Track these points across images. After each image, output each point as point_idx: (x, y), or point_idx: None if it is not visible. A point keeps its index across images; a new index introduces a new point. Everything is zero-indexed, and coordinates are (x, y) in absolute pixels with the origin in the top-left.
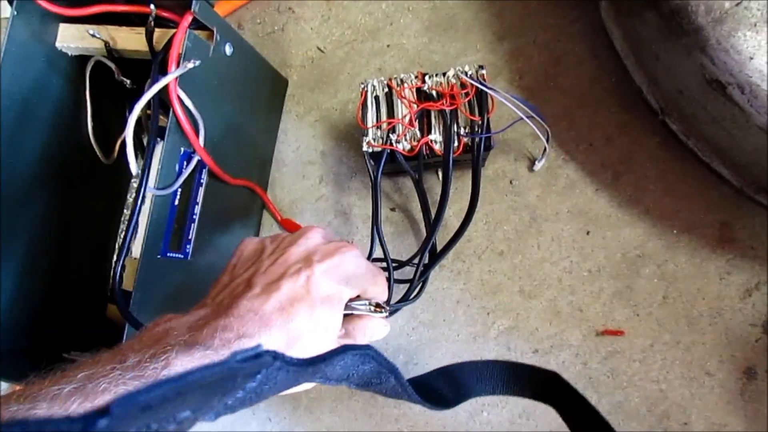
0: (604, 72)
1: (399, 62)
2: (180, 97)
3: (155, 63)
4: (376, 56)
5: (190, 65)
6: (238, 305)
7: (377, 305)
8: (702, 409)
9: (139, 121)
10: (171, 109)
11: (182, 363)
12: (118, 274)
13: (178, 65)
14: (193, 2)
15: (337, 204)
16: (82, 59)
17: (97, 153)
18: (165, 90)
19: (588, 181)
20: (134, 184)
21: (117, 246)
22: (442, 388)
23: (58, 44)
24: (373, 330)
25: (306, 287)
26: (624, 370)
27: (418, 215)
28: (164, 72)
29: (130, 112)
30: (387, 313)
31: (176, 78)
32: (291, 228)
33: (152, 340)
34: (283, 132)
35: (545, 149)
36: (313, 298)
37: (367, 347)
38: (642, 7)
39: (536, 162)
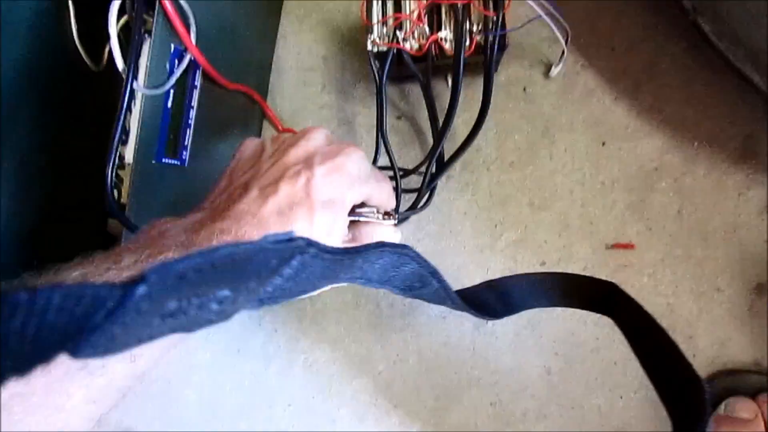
0: None
1: None
2: None
3: None
4: None
5: None
6: (236, 209)
7: (385, 213)
8: (708, 324)
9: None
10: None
11: None
12: (108, 175)
13: None
14: None
15: (340, 112)
16: None
17: (85, 59)
18: None
19: (607, 89)
20: None
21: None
22: (490, 299)
23: None
24: (382, 237)
25: (306, 190)
26: (632, 284)
27: (425, 124)
28: None
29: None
30: (395, 221)
31: None
32: None
33: (148, 242)
34: (283, 36)
35: (563, 53)
36: (313, 202)
37: (405, 246)
38: None
39: (553, 67)
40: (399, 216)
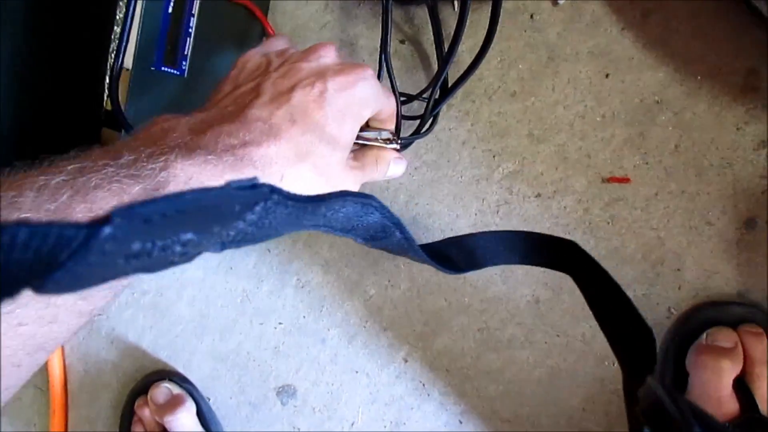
0: None
1: None
2: None
3: None
4: None
5: None
6: (246, 113)
7: (387, 138)
8: (697, 257)
9: None
10: None
11: (182, 167)
12: (111, 79)
13: None
14: None
15: (342, 33)
16: None
17: None
18: None
19: (614, 19)
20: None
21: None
22: (453, 254)
23: None
24: (385, 162)
25: (319, 102)
26: (625, 217)
27: (430, 49)
28: None
29: None
30: (398, 146)
31: None
32: None
33: (150, 140)
34: None
35: None
36: (327, 114)
37: (369, 196)
38: None
39: None
40: (402, 141)
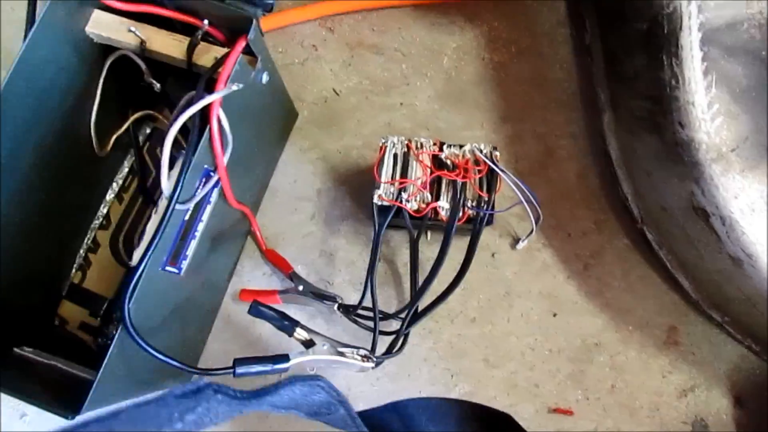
0: (593, 172)
1: (407, 121)
2: (219, 116)
3: (202, 79)
4: (387, 111)
5: (235, 87)
6: None
7: (365, 356)
8: None
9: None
10: (208, 127)
11: None
12: (128, 294)
13: (225, 85)
14: (251, 29)
15: (323, 244)
16: (103, 49)
17: (94, 144)
18: (206, 107)
19: (561, 267)
20: (119, 180)
21: (86, 243)
22: (394, 423)
23: (87, 29)
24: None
25: None
26: None
27: (402, 269)
28: (208, 89)
29: (172, 123)
30: (374, 363)
31: (221, 97)
32: (274, 259)
33: None
34: (284, 162)
35: (531, 231)
36: None
37: (317, 377)
38: (645, 129)
39: (519, 241)
40: (377, 360)
